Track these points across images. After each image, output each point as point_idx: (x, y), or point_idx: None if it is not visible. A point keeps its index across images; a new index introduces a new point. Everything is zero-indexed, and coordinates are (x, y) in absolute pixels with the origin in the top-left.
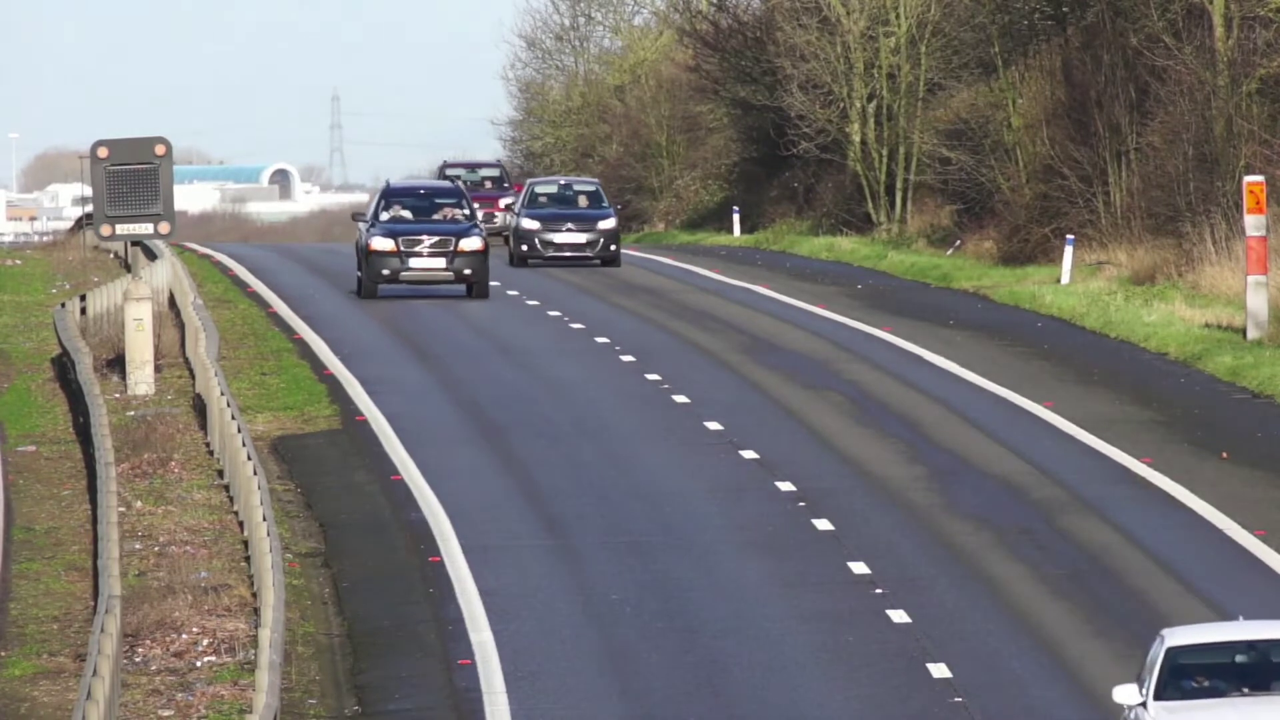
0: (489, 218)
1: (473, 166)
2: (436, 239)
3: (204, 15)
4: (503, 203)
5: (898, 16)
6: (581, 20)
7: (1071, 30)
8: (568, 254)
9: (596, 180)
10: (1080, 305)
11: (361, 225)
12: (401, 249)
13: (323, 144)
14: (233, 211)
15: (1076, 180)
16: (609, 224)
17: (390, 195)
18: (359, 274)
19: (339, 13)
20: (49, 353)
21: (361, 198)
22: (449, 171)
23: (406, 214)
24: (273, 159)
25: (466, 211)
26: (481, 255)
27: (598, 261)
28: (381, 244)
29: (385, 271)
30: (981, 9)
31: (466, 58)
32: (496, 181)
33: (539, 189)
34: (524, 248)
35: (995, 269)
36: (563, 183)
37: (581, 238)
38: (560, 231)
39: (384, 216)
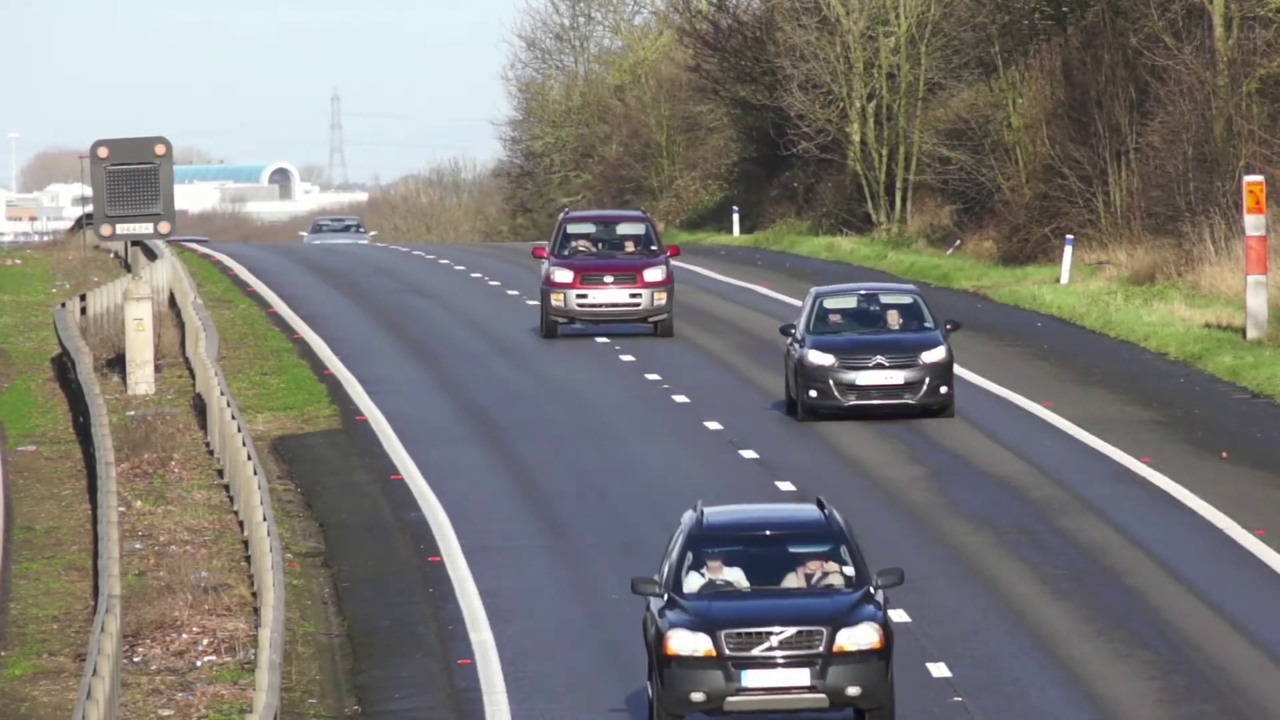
0: (632, 300)
1: (607, 221)
2: (795, 630)
3: (204, 15)
4: (649, 275)
5: (898, 16)
6: (581, 20)
7: (1071, 30)
8: (876, 400)
9: (914, 286)
10: (1080, 305)
11: (653, 603)
12: (728, 651)
13: (323, 144)
14: (233, 211)
15: (1076, 180)
16: (937, 354)
17: (705, 541)
18: (649, 689)
19: (339, 13)
20: (49, 352)
21: (361, 197)
22: (571, 227)
23: (734, 575)
24: (273, 159)
25: (850, 568)
26: (880, 659)
27: (918, 409)
28: (688, 642)
29: (698, 696)
30: (981, 9)
31: (466, 58)
32: (640, 242)
33: (831, 302)
34: (812, 394)
35: (995, 269)
36: (864, 292)
37: (898, 376)
38: (866, 368)
39: (692, 583)
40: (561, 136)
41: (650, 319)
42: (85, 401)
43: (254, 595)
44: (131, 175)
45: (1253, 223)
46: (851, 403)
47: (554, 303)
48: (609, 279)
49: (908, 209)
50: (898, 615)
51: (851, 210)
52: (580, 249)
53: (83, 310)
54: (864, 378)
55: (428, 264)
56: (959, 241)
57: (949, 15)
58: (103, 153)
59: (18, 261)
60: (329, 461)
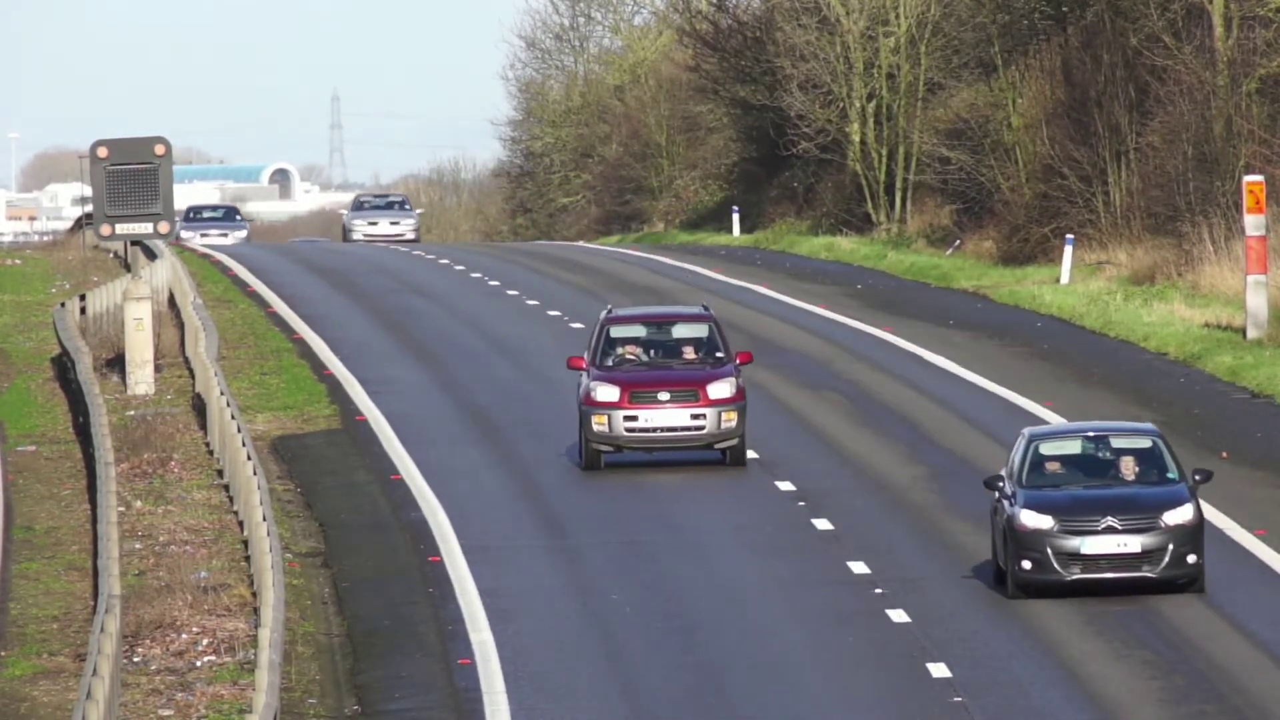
0: (694, 422)
1: (660, 320)
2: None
3: (203, 15)
4: (714, 390)
5: (898, 16)
6: (581, 20)
7: (1071, 30)
8: (1108, 573)
9: (1153, 426)
10: (1080, 305)
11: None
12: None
13: (323, 144)
14: None
15: (1076, 180)
16: (1183, 514)
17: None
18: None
19: (339, 13)
20: (49, 352)
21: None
22: (615, 330)
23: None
24: (273, 159)
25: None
26: None
27: (1159, 584)
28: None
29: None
30: (981, 9)
31: (466, 58)
32: (703, 347)
33: (1048, 447)
34: (1025, 565)
35: (995, 269)
36: (1091, 434)
37: (1134, 543)
38: (1094, 533)
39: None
40: (561, 136)
41: (717, 445)
42: (85, 401)
43: (254, 595)
44: (131, 175)
45: (1252, 223)
46: (1075, 576)
47: (596, 427)
48: (664, 396)
49: (908, 209)
50: (897, 615)
51: (851, 210)
52: (628, 357)
53: (82, 310)
54: (1091, 545)
55: (428, 264)
56: (959, 241)
57: (949, 15)
58: (102, 153)
59: (18, 261)
60: (329, 461)
